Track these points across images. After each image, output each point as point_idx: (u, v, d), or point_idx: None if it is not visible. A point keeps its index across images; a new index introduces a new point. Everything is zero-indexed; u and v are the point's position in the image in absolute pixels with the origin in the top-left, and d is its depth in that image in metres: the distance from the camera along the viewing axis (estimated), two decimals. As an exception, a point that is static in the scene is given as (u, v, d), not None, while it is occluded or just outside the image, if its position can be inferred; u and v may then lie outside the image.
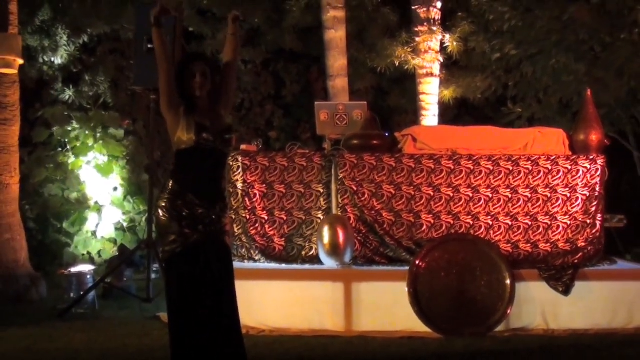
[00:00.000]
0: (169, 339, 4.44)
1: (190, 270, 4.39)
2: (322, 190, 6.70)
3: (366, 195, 6.62)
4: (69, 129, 10.71)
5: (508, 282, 6.08)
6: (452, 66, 11.59)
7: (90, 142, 10.69)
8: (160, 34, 4.47)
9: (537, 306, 6.21)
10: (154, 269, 7.89)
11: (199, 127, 4.39)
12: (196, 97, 4.48)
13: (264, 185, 6.70)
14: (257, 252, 6.62)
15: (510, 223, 6.59)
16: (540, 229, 6.58)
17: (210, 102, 4.53)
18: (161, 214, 4.42)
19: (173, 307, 4.43)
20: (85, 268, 7.88)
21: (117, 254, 9.61)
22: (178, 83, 4.46)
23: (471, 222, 6.59)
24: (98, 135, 10.76)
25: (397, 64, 11.22)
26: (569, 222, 6.58)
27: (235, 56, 4.77)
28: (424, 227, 6.59)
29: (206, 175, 4.46)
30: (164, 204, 4.42)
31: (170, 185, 4.44)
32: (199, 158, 4.42)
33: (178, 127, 4.41)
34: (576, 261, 6.42)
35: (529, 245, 6.58)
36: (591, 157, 6.66)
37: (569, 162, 6.64)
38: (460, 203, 6.61)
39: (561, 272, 6.26)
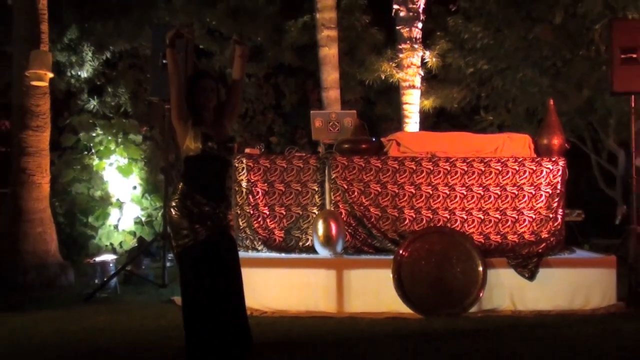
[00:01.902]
0: (183, 320, 4.46)
1: (201, 261, 4.40)
2: (316, 189, 6.70)
3: (356, 193, 6.63)
4: (94, 134, 10.70)
5: (480, 269, 6.09)
6: (431, 79, 11.62)
7: (113, 146, 10.70)
8: (173, 54, 4.48)
9: (505, 290, 6.21)
10: (169, 258, 7.89)
11: (205, 137, 4.40)
12: (203, 110, 4.49)
13: (266, 184, 6.71)
14: (259, 243, 6.62)
15: (482, 217, 6.60)
16: (509, 222, 6.59)
17: (215, 114, 4.55)
18: (173, 213, 4.43)
19: (186, 293, 4.45)
20: (108, 257, 7.87)
21: (136, 244, 9.61)
22: (188, 97, 4.47)
23: (448, 217, 6.60)
24: (119, 140, 10.76)
25: (383, 77, 11.26)
26: (534, 216, 6.60)
27: (242, 76, 4.78)
28: (407, 220, 6.60)
29: (212, 179, 4.47)
30: (175, 204, 4.43)
31: (180, 187, 4.46)
32: (205, 164, 4.44)
33: (186, 136, 4.42)
34: (540, 250, 6.42)
35: (499, 236, 6.59)
36: (553, 159, 6.67)
37: (534, 163, 6.65)
38: (439, 200, 6.62)
39: (527, 260, 6.27)
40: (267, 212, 6.70)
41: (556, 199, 6.62)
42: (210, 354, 4.35)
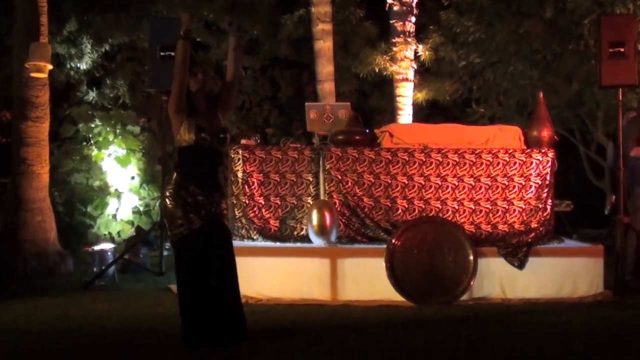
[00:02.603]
0: (179, 307, 4.45)
1: (196, 249, 4.40)
2: (311, 179, 6.68)
3: (349, 184, 6.62)
4: (93, 125, 10.69)
5: (471, 258, 6.09)
6: (424, 72, 11.62)
7: (111, 137, 10.68)
8: (186, 46, 4.40)
9: (496, 279, 6.22)
10: (166, 247, 7.87)
11: (198, 128, 4.40)
12: (198, 95, 4.49)
13: (261, 175, 6.69)
14: (255, 232, 6.61)
15: (473, 207, 6.59)
16: (499, 212, 6.59)
17: (209, 107, 4.54)
18: (168, 202, 4.42)
19: (182, 281, 4.45)
20: (107, 246, 7.85)
21: (134, 234, 9.60)
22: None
23: (440, 207, 6.59)
24: (117, 131, 10.75)
25: (377, 70, 11.26)
26: (523, 207, 6.60)
27: (237, 72, 4.75)
28: (399, 210, 6.60)
29: (205, 169, 4.47)
30: (169, 194, 4.43)
31: (174, 177, 4.45)
32: (198, 155, 4.43)
33: (181, 127, 4.41)
34: (530, 240, 6.43)
35: (490, 226, 6.59)
36: (543, 151, 6.67)
37: (524, 155, 6.65)
38: (431, 190, 6.61)
39: (517, 249, 6.27)
40: (263, 202, 6.68)
41: (545, 190, 6.61)
42: (206, 340, 4.35)
